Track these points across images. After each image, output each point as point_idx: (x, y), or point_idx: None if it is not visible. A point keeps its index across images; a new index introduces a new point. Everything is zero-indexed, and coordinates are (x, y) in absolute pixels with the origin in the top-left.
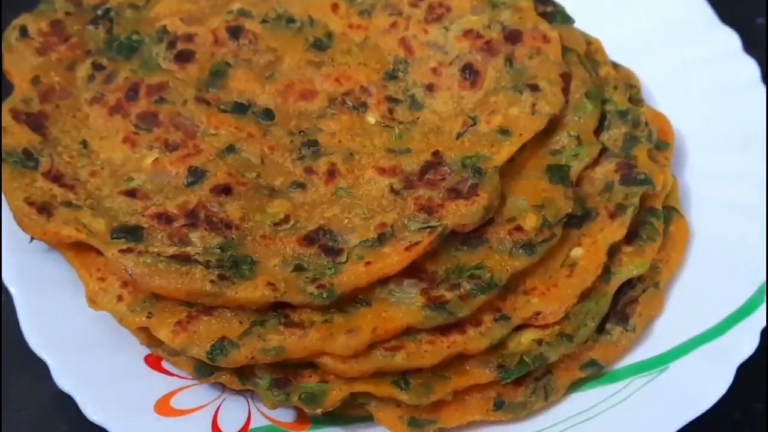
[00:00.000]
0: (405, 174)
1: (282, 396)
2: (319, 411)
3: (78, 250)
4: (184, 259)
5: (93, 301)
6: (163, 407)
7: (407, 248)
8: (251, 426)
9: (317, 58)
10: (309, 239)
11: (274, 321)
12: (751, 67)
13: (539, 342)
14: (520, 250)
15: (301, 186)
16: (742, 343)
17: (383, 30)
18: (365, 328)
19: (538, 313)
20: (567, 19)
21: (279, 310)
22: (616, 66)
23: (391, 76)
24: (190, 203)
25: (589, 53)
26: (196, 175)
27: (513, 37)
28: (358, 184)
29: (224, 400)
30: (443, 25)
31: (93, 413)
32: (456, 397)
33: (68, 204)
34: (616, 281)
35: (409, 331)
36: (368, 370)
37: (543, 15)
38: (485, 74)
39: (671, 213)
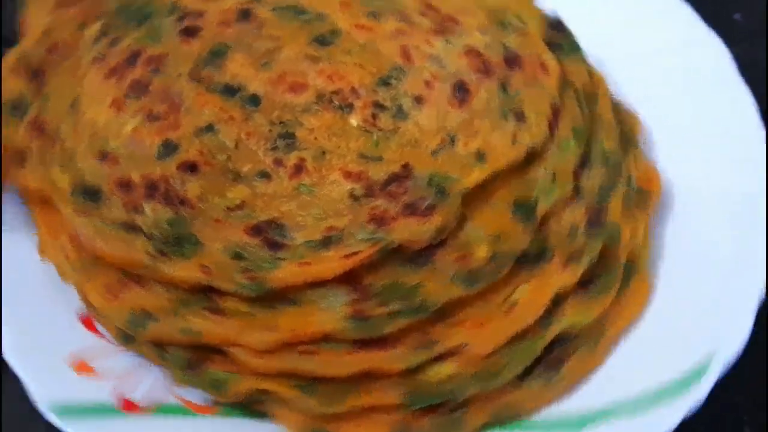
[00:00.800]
0: (369, 182)
1: (191, 377)
2: (222, 399)
3: (43, 206)
4: (131, 228)
5: (43, 252)
6: (82, 365)
7: (346, 256)
8: (162, 401)
9: (316, 53)
10: (256, 229)
11: (200, 304)
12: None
13: (458, 375)
14: (462, 279)
15: (266, 176)
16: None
17: (388, 35)
18: (284, 326)
19: (465, 345)
20: (575, 49)
21: (209, 293)
22: (618, 105)
23: (384, 82)
24: (153, 175)
25: (590, 87)
26: (168, 149)
27: (512, 61)
28: (322, 184)
29: (143, 369)
30: (447, 39)
31: (9, 355)
32: (362, 414)
33: (42, 156)
34: (555, 329)
35: (329, 339)
36: (278, 368)
37: (551, 43)
38: (476, 95)
39: (634, 269)
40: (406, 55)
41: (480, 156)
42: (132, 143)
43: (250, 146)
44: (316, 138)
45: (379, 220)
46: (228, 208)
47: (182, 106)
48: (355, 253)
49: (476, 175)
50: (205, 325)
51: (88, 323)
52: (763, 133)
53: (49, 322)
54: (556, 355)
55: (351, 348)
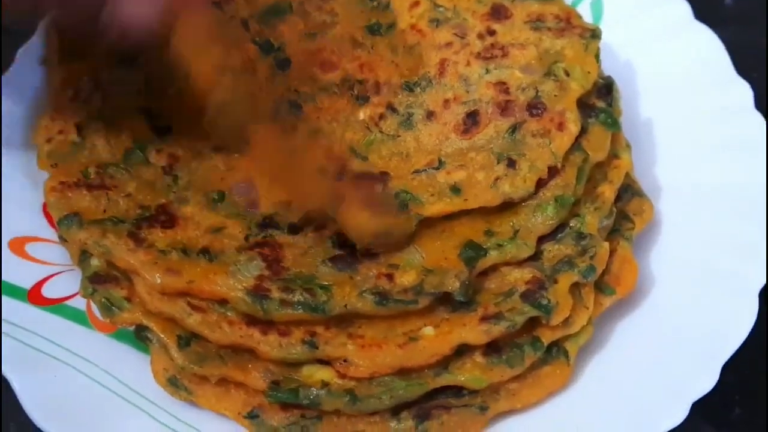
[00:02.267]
0: (345, 169)
1: (91, 290)
2: (109, 321)
3: None
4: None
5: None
6: (18, 246)
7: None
8: (69, 304)
9: (363, 40)
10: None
11: (126, 228)
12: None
13: (330, 385)
14: (372, 296)
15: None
16: None
17: (436, 44)
18: (186, 276)
19: (345, 360)
20: (610, 122)
21: (141, 224)
22: (635, 191)
23: (409, 88)
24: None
25: (606, 167)
26: None
27: (535, 108)
28: (304, 152)
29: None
30: (488, 66)
31: None
32: (222, 384)
33: None
34: (443, 380)
35: (223, 303)
36: (164, 311)
37: (591, 106)
38: (483, 128)
39: (559, 353)
40: (442, 68)
41: (455, 189)
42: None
43: (260, 102)
44: (318, 117)
45: (339, 199)
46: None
47: None
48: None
49: (441, 206)
50: (118, 247)
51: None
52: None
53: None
54: (432, 406)
55: (239, 319)
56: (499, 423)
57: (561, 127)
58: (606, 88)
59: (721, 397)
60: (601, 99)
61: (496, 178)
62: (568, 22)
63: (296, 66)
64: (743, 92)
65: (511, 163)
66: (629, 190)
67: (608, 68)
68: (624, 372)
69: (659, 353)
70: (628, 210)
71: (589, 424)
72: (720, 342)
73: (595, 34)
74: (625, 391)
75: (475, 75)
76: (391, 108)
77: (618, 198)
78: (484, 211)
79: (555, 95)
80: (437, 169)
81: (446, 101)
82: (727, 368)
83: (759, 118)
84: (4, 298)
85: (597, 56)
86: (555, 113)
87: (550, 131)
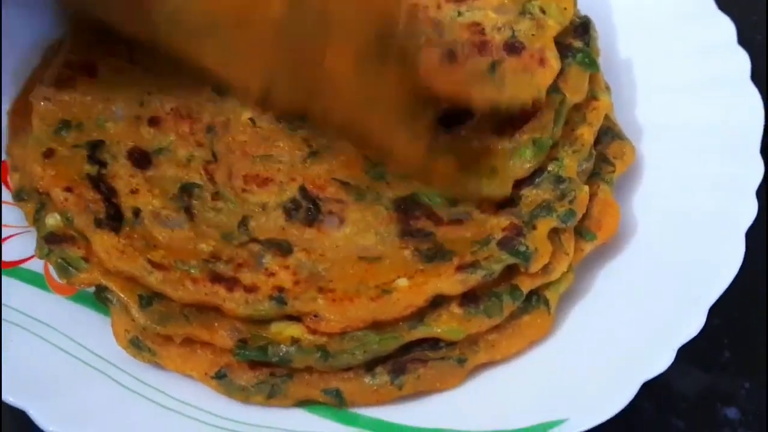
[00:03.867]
0: None
1: (46, 251)
2: (66, 282)
3: None
4: None
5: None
6: None
7: None
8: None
9: None
10: None
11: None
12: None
13: (300, 341)
14: None
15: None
16: None
17: None
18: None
19: (316, 315)
20: (587, 63)
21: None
22: (616, 133)
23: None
24: None
25: (585, 108)
26: None
27: (513, 48)
28: None
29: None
30: (459, 9)
31: None
32: (188, 344)
33: None
34: (418, 333)
35: (186, 260)
36: (123, 270)
37: (567, 46)
38: (461, 66)
39: (539, 302)
40: (411, 15)
41: None
42: None
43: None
44: None
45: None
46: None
47: None
48: None
49: None
50: (73, 204)
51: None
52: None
53: None
54: (406, 360)
55: (203, 276)
56: (479, 375)
57: (542, 62)
58: (583, 27)
59: (709, 341)
60: (578, 38)
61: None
62: None
63: None
64: (725, 27)
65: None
66: (609, 133)
67: (585, 7)
68: (607, 319)
69: (643, 298)
70: (608, 153)
71: (572, 372)
72: (706, 284)
73: None
74: (608, 339)
75: (446, 18)
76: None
77: (598, 141)
78: (459, 155)
79: (532, 34)
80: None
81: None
82: (715, 311)
83: (742, 53)
84: None
85: None
86: (534, 50)
87: (530, 68)
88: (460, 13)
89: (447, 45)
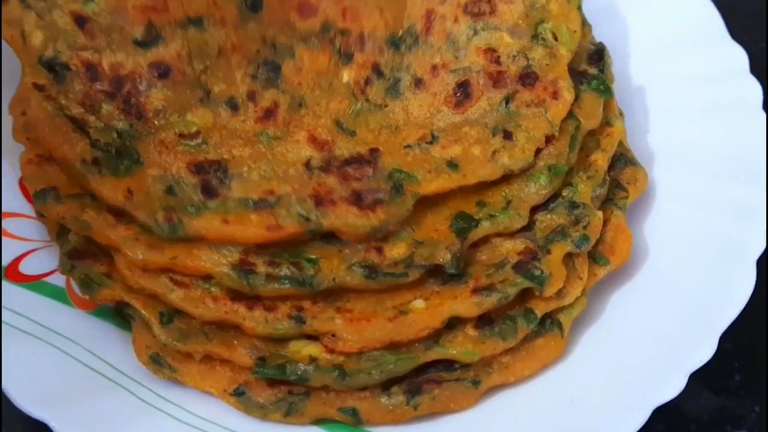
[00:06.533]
0: (331, 155)
1: (69, 266)
2: (89, 298)
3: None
4: (80, 126)
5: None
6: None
7: (269, 228)
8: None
9: None
10: (200, 167)
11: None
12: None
13: (318, 360)
14: (361, 269)
15: (234, 107)
16: None
17: None
18: (168, 251)
19: (333, 335)
20: (602, 89)
21: None
22: (629, 159)
23: (395, 44)
24: (123, 68)
25: (599, 134)
26: (150, 36)
27: (528, 79)
28: (284, 140)
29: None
30: (476, 25)
31: None
32: (207, 361)
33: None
34: (433, 354)
35: (207, 278)
36: (145, 288)
37: (582, 73)
38: (476, 102)
39: (553, 325)
40: (428, 22)
41: (452, 164)
42: (115, 12)
43: (231, 62)
44: (299, 83)
45: (320, 199)
46: (181, 135)
47: None
48: (279, 228)
49: (440, 183)
50: (98, 222)
51: (23, 187)
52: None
53: None
54: (422, 381)
55: (223, 295)
56: (492, 397)
57: (555, 95)
58: (597, 54)
59: (721, 364)
60: (592, 65)
61: (494, 152)
62: None
63: (269, 7)
64: (738, 55)
65: (508, 135)
66: (622, 159)
67: (599, 34)
68: (620, 343)
69: (656, 324)
70: (621, 179)
71: (584, 396)
72: (717, 310)
73: None
74: (621, 363)
75: (462, 36)
76: (377, 70)
77: (611, 167)
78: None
79: (546, 64)
80: (431, 143)
81: (434, 67)
82: (726, 335)
83: (754, 81)
84: None
85: (579, 7)
86: (548, 82)
87: (544, 100)
88: (476, 32)
89: (462, 73)
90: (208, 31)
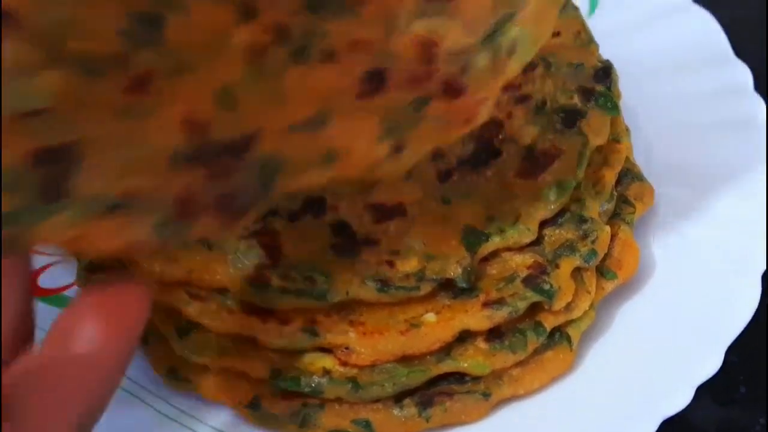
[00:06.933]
0: (204, 141)
1: (86, 280)
2: None
3: None
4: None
5: None
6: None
7: (127, 244)
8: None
9: None
10: (45, 155)
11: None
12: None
13: (332, 373)
14: (374, 283)
15: (96, 72)
16: None
17: None
18: (185, 265)
19: (347, 347)
20: (609, 106)
21: None
22: (635, 174)
23: (312, 7)
24: None
25: (606, 150)
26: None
27: (452, 89)
28: (151, 118)
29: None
30: (427, 7)
31: None
32: (223, 373)
33: None
34: (445, 367)
35: (222, 291)
36: (161, 300)
37: (590, 91)
38: (383, 95)
39: (562, 338)
40: None
41: (330, 157)
42: None
43: (99, 11)
44: (183, 43)
45: (185, 205)
46: (25, 113)
47: None
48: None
49: (314, 178)
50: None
51: None
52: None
53: None
54: (434, 393)
55: (239, 308)
56: (502, 408)
57: (468, 121)
58: (604, 72)
59: (726, 377)
60: (599, 82)
61: (376, 159)
62: None
63: None
64: (742, 73)
65: (398, 149)
66: (629, 174)
67: (606, 53)
68: (627, 356)
69: (662, 337)
70: (628, 194)
71: (592, 408)
72: (723, 325)
73: None
74: (629, 376)
75: (404, 16)
76: (282, 33)
77: (618, 182)
78: (485, 197)
79: (483, 77)
80: (319, 127)
81: (354, 43)
82: (731, 349)
83: (758, 98)
84: None
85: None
86: (473, 100)
87: (454, 121)
88: (423, 15)
89: (383, 59)
90: None
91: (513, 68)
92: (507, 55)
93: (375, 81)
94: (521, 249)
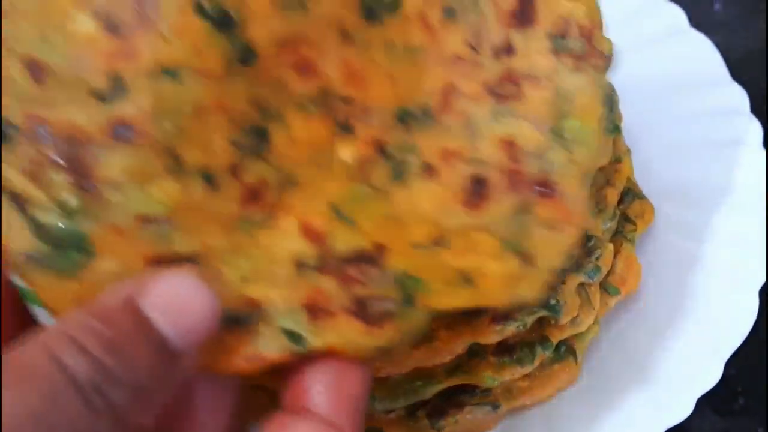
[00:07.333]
0: (327, 250)
1: None
2: None
3: None
4: (21, 206)
5: None
6: None
7: (248, 359)
8: None
9: (353, 30)
10: (166, 263)
11: None
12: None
13: None
14: None
15: (211, 181)
16: None
17: (444, 56)
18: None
19: None
20: (612, 130)
21: None
22: (635, 192)
23: (402, 120)
24: (79, 133)
25: (609, 170)
26: (114, 88)
27: (546, 187)
28: (268, 229)
29: None
30: (498, 109)
31: None
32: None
33: None
34: (456, 379)
35: None
36: None
37: None
38: (493, 203)
39: (568, 351)
40: (445, 98)
41: (466, 278)
42: (76, 57)
43: (210, 123)
44: (290, 155)
45: (315, 310)
46: (140, 218)
47: (153, 21)
48: (259, 358)
49: (460, 301)
50: None
51: None
52: (757, 121)
53: None
54: (447, 405)
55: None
56: (510, 420)
57: (568, 217)
58: (605, 100)
59: (725, 388)
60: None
61: (512, 276)
62: (589, 41)
63: (263, 60)
64: (738, 95)
65: (527, 258)
66: (630, 193)
67: (607, 76)
68: (630, 369)
69: (663, 349)
70: (629, 212)
71: (598, 419)
72: (722, 338)
73: (606, 64)
74: (631, 387)
75: (482, 121)
76: (380, 149)
77: (620, 201)
78: None
79: (566, 172)
80: (440, 246)
81: (447, 153)
82: (730, 361)
83: (754, 120)
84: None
85: (608, 102)
86: (565, 196)
87: (558, 222)
88: (496, 118)
89: (478, 165)
90: (184, 85)
91: (582, 159)
92: (575, 144)
93: (478, 187)
94: None
